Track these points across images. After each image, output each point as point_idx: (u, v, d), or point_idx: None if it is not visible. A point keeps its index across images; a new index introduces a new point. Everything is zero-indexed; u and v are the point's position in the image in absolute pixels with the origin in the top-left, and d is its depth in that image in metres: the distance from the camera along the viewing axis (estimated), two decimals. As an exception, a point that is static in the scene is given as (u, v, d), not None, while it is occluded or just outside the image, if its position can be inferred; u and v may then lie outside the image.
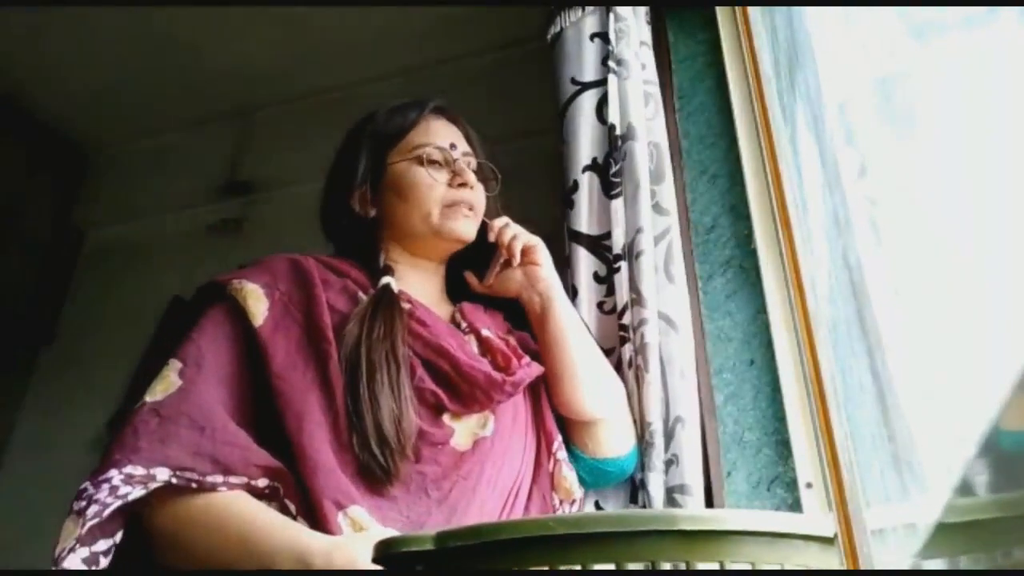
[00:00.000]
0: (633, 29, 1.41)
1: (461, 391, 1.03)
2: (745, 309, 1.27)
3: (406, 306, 1.07)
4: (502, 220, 1.19)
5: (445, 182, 1.14)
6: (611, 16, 1.40)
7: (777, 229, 1.25)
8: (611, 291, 1.26)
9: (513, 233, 1.17)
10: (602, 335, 1.25)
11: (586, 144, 1.36)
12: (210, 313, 1.03)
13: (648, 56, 1.43)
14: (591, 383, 1.14)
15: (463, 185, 1.14)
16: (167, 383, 0.95)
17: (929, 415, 0.77)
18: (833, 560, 0.69)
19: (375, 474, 0.93)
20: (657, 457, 1.12)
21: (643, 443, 1.14)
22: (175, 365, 0.97)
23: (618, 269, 1.25)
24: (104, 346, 2.48)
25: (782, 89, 1.28)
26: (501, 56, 2.36)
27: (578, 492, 1.11)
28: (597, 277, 1.29)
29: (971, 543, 0.68)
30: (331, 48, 2.48)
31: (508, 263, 1.19)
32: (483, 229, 1.18)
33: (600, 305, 1.27)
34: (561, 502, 1.11)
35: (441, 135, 1.18)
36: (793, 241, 1.18)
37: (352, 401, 0.95)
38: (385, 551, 0.66)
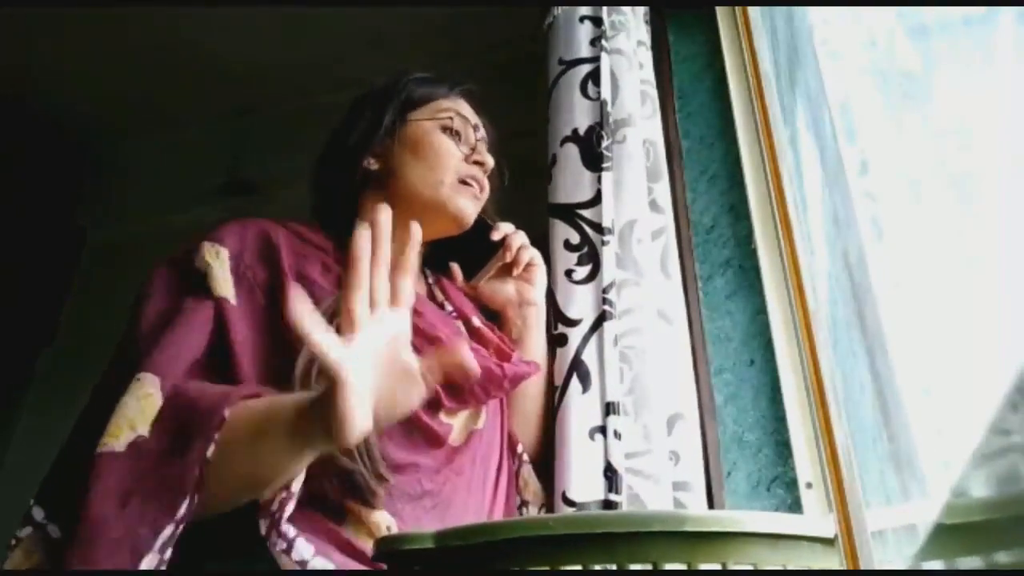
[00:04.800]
0: (631, 24, 1.41)
1: (458, 385, 0.99)
2: (745, 309, 1.27)
3: None
4: (512, 227, 1.17)
5: (463, 155, 1.10)
6: (604, 8, 1.40)
7: (777, 229, 1.25)
8: (583, 260, 1.20)
9: (523, 242, 1.16)
10: (573, 305, 1.18)
11: (567, 117, 1.33)
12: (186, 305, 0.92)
13: (646, 56, 1.42)
14: (542, 433, 1.13)
15: (479, 164, 1.11)
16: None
17: (929, 415, 0.77)
18: (833, 561, 0.69)
19: (358, 488, 0.87)
20: (658, 446, 1.08)
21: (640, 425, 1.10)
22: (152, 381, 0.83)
23: (607, 243, 1.19)
24: (104, 346, 2.47)
25: (782, 89, 1.28)
26: (500, 56, 2.36)
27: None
28: (568, 245, 1.23)
29: (971, 544, 0.67)
30: (331, 48, 2.48)
31: (504, 270, 1.17)
32: (479, 226, 1.14)
33: (568, 273, 1.21)
34: (526, 503, 1.08)
35: (468, 113, 1.16)
36: (793, 241, 1.18)
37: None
38: (384, 550, 0.66)
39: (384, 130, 1.10)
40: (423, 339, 0.99)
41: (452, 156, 1.09)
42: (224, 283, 0.93)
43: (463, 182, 1.09)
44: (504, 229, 1.16)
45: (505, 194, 1.22)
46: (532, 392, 1.13)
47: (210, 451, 0.76)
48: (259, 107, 2.71)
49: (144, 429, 0.79)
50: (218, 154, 2.70)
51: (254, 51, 2.49)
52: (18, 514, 0.88)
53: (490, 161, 1.13)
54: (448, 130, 1.11)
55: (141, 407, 0.81)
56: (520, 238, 1.16)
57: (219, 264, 0.94)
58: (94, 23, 2.36)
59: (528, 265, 1.16)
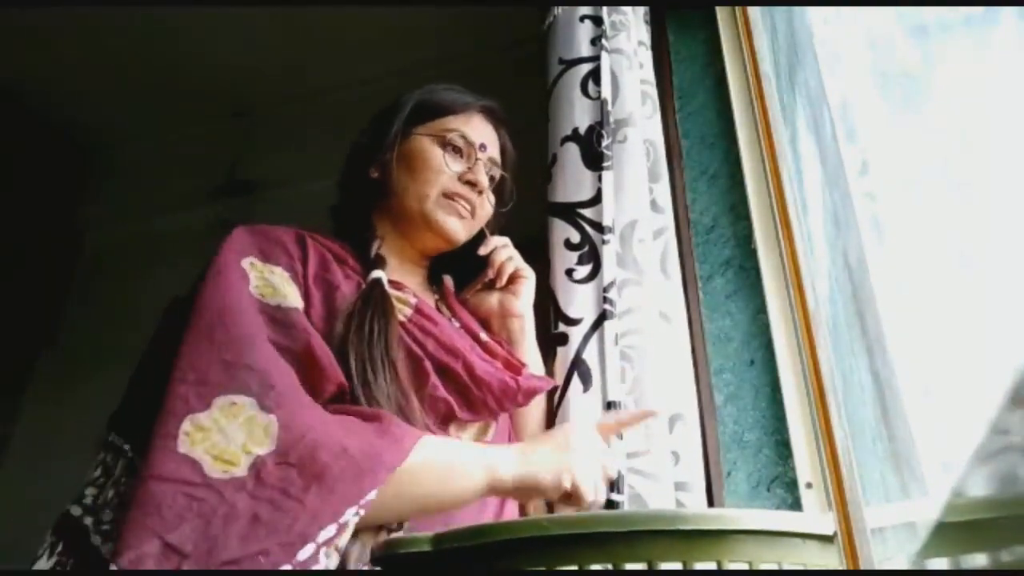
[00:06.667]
0: (631, 24, 1.41)
1: (472, 397, 1.00)
2: (745, 309, 1.27)
3: (412, 299, 1.03)
4: (502, 239, 1.16)
5: (456, 173, 1.10)
6: (604, 8, 1.40)
7: (777, 229, 1.25)
8: (584, 260, 1.21)
9: (508, 255, 1.15)
10: (573, 304, 1.19)
11: (567, 116, 1.33)
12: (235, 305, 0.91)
13: (646, 56, 1.42)
14: None
15: (471, 184, 1.11)
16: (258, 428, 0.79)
17: (929, 415, 0.77)
18: (832, 559, 0.69)
19: None
20: (659, 446, 1.08)
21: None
22: (245, 402, 0.81)
23: (607, 242, 1.20)
24: (104, 347, 2.47)
25: (782, 89, 1.28)
26: (501, 56, 2.36)
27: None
28: (568, 244, 1.24)
29: (971, 542, 0.67)
30: (331, 48, 2.48)
31: (491, 284, 1.16)
32: (477, 239, 1.15)
33: (569, 272, 1.21)
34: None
35: (476, 131, 1.14)
36: (793, 241, 1.18)
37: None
38: (383, 552, 0.66)
39: (387, 142, 1.11)
40: (441, 348, 1.00)
41: (442, 172, 1.09)
42: (292, 297, 0.93)
43: (448, 197, 1.09)
44: (493, 243, 1.15)
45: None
46: (531, 406, 1.12)
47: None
48: (258, 107, 2.71)
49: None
50: (217, 154, 2.70)
51: (253, 51, 2.49)
52: (18, 513, 0.87)
53: (483, 181, 1.12)
54: (448, 146, 1.11)
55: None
56: (506, 252, 1.15)
57: (282, 281, 0.94)
58: (94, 24, 2.36)
59: (515, 277, 1.15)
